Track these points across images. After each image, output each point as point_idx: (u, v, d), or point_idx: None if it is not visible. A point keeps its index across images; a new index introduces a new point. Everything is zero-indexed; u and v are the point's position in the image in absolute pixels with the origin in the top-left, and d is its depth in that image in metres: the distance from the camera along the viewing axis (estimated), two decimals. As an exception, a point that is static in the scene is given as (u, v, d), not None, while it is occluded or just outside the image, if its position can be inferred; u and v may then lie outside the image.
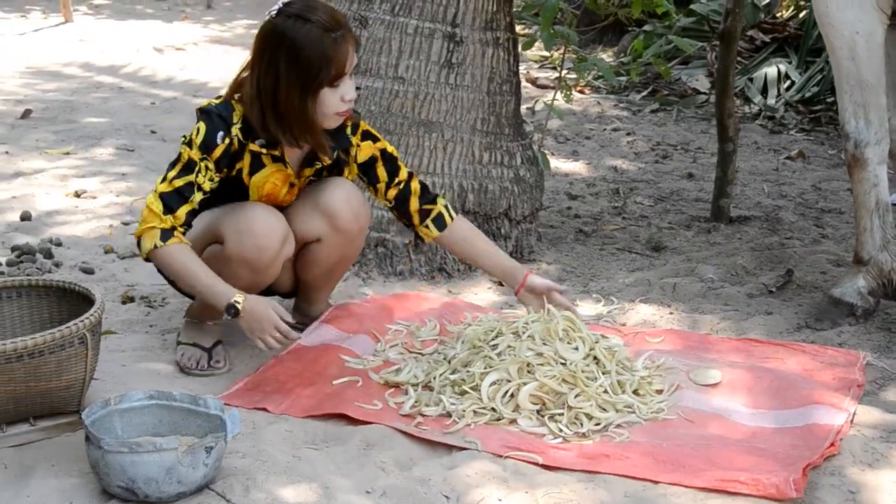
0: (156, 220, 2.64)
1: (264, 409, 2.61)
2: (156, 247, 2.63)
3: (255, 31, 2.74)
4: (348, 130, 2.86)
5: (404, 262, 3.54)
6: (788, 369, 2.87)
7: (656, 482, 2.32)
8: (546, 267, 3.69)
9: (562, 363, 2.64)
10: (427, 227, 2.92)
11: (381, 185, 2.92)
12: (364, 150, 2.89)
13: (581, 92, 6.50)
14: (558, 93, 4.23)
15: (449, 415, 2.57)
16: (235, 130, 2.70)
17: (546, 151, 4.20)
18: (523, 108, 3.93)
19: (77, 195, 4.31)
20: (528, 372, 2.62)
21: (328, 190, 2.86)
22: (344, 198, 2.86)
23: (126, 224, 3.99)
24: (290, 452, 2.41)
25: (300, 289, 3.08)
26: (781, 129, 5.84)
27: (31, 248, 3.63)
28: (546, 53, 7.15)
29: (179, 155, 2.70)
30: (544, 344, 2.67)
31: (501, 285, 3.50)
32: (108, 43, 7.69)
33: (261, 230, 2.71)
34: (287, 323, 3.11)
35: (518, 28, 3.88)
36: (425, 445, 2.47)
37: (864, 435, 2.53)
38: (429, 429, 2.53)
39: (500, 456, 2.40)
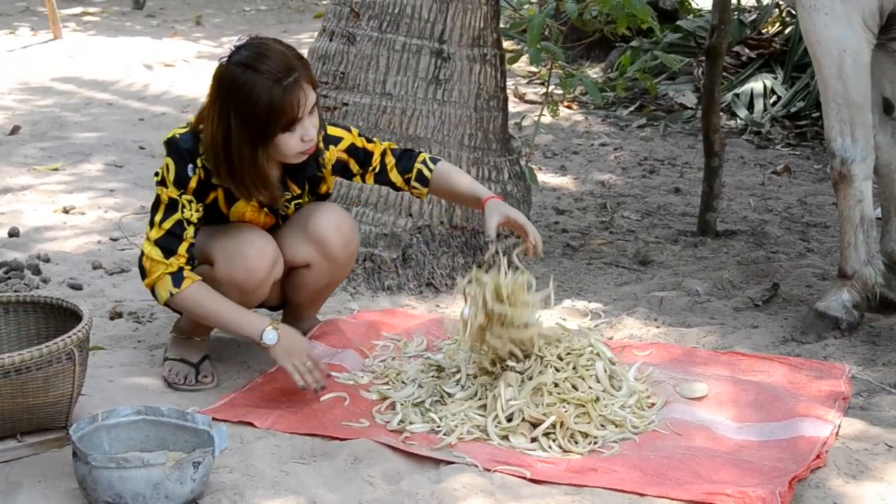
0: (161, 266, 2.66)
1: (251, 424, 2.61)
2: (171, 294, 2.66)
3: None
4: (320, 145, 2.81)
5: (392, 277, 3.55)
6: (774, 382, 2.89)
7: (643, 495, 2.33)
8: (534, 282, 3.70)
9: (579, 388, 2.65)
10: (415, 187, 2.90)
11: (358, 178, 2.91)
12: (330, 156, 2.86)
13: (569, 107, 6.53)
14: (545, 108, 4.26)
15: (436, 431, 2.58)
16: (201, 162, 2.67)
17: (533, 166, 4.23)
18: (511, 123, 3.95)
19: (65, 211, 4.32)
20: (544, 394, 2.61)
21: (317, 217, 2.85)
22: (334, 225, 2.86)
23: (115, 240, 4.00)
24: (277, 467, 2.41)
25: (288, 306, 3.09)
26: (767, 143, 5.88)
27: (19, 263, 3.63)
28: (534, 69, 7.19)
29: (158, 197, 2.69)
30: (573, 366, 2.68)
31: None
32: (98, 59, 7.70)
33: (251, 253, 2.72)
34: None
35: (505, 44, 3.90)
36: (412, 460, 2.48)
37: (849, 447, 2.55)
38: (416, 443, 2.54)
39: (488, 470, 2.41)
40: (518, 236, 2.89)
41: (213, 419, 2.48)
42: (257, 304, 2.90)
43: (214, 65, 2.71)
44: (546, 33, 4.32)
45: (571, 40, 5.98)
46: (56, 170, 4.93)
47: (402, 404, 2.72)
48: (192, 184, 2.68)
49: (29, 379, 2.37)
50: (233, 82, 2.58)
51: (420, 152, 2.93)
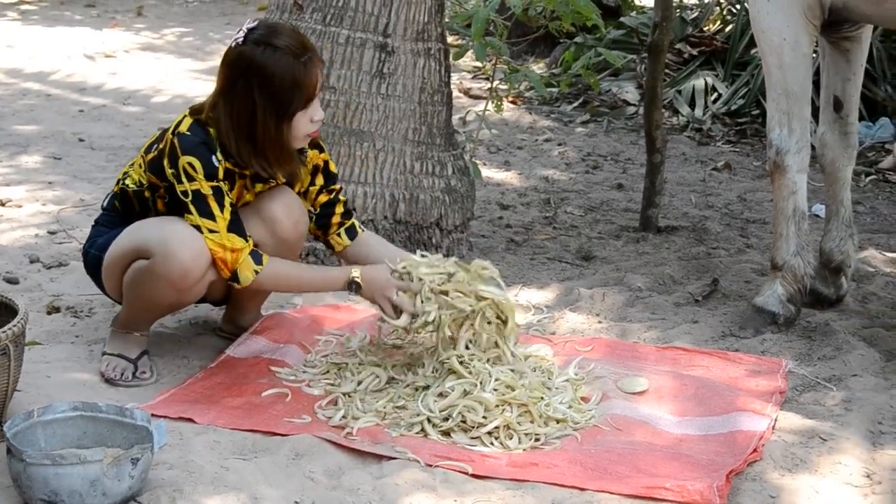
0: (244, 251, 2.69)
1: (190, 420, 2.59)
2: (256, 273, 2.70)
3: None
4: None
5: (335, 272, 3.54)
6: (713, 377, 2.93)
7: (583, 489, 2.35)
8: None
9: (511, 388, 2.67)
10: (339, 235, 2.97)
11: (314, 189, 2.94)
12: (311, 158, 2.91)
13: (513, 103, 6.55)
14: (490, 103, 4.27)
15: (377, 424, 2.59)
16: (219, 155, 2.70)
17: (477, 161, 4.23)
18: (455, 118, 3.95)
19: (2, 204, 4.24)
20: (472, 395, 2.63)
21: (270, 198, 2.88)
22: (285, 205, 2.88)
23: (53, 233, 3.93)
24: (217, 463, 2.39)
25: (232, 297, 3.06)
26: (708, 140, 5.95)
27: (-47, 257, 3.56)
28: (479, 64, 7.19)
29: (198, 193, 2.66)
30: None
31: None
32: (37, 49, 7.56)
33: (188, 254, 2.68)
34: (223, 331, 3.12)
35: (450, 39, 3.90)
36: (354, 455, 2.47)
37: (785, 441, 2.60)
38: (358, 439, 2.53)
39: (430, 465, 2.41)
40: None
41: (152, 415, 2.45)
42: (192, 302, 2.89)
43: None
44: (491, 28, 4.32)
45: (516, 36, 6.00)
46: (-8, 161, 4.84)
47: (344, 400, 2.71)
48: (220, 173, 2.69)
49: (-38, 375, 2.33)
50: (253, 60, 2.63)
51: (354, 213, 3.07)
